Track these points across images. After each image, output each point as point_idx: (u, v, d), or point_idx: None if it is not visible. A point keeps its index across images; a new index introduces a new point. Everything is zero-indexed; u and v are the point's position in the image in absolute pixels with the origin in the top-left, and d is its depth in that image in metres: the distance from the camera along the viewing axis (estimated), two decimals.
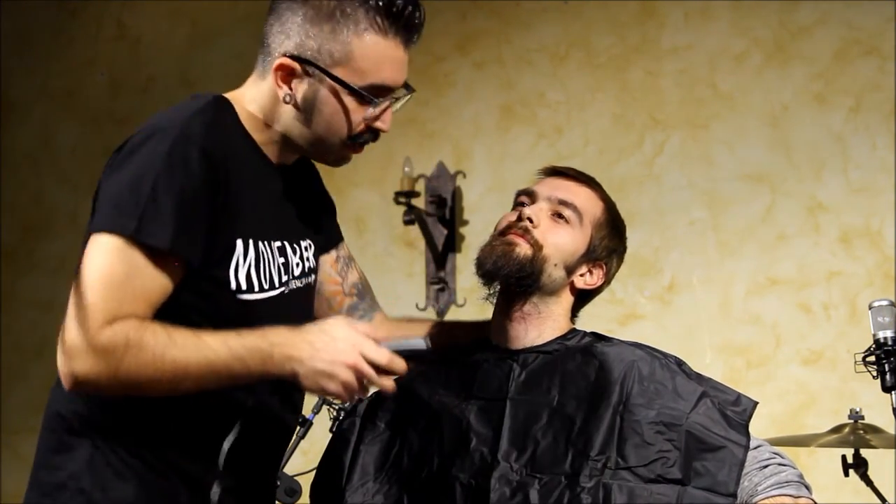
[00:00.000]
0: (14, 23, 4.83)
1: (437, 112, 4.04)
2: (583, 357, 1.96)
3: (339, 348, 1.66)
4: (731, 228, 3.59)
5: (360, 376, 1.67)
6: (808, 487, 1.86)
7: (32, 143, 4.76)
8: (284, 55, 1.72)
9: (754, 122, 3.60)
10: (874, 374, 2.09)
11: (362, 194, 4.04)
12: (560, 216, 2.00)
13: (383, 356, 1.69)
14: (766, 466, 1.86)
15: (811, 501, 1.85)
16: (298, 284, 1.86)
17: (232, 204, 1.69)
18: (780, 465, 1.87)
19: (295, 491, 2.62)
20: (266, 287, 1.76)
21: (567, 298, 2.03)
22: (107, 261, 1.60)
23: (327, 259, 2.02)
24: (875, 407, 2.48)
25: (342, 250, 2.05)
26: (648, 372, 1.91)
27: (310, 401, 2.81)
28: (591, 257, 2.02)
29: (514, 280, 1.95)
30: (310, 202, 1.94)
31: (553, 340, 1.99)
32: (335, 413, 2.72)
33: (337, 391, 1.67)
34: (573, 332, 2.02)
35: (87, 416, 1.72)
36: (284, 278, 1.80)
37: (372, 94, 1.75)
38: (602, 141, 3.80)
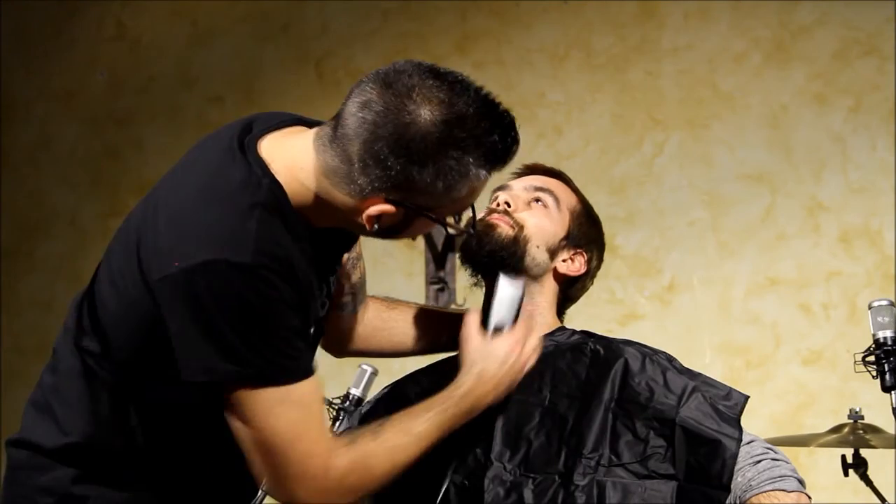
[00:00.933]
0: (14, 23, 4.83)
1: None
2: (573, 355, 1.95)
3: (511, 363, 1.85)
4: (731, 228, 3.59)
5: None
6: (801, 482, 1.87)
7: (32, 143, 4.76)
8: (386, 200, 1.61)
9: (754, 122, 3.60)
10: (874, 373, 2.09)
11: None
12: (538, 201, 2.01)
13: (528, 326, 1.88)
14: (759, 461, 1.86)
15: (805, 496, 1.85)
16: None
17: (308, 305, 1.67)
18: (773, 459, 1.87)
19: None
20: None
21: (551, 287, 2.03)
22: (279, 412, 1.59)
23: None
24: (875, 407, 2.48)
25: (353, 251, 2.02)
26: (639, 368, 1.92)
27: None
28: (572, 243, 2.02)
29: (498, 260, 1.95)
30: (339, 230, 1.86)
31: (542, 338, 1.99)
32: (335, 413, 2.72)
33: (526, 359, 1.86)
34: (562, 329, 2.02)
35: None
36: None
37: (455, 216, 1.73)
38: (602, 141, 3.80)
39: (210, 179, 1.63)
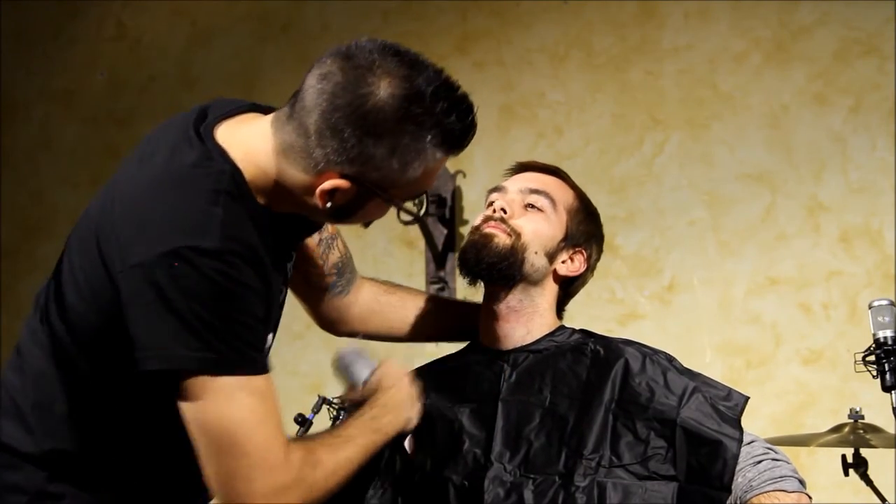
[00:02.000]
0: (14, 23, 4.83)
1: None
2: (573, 355, 1.95)
3: (398, 376, 1.90)
4: (731, 228, 3.59)
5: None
6: (802, 482, 1.87)
7: (32, 143, 4.76)
8: (341, 175, 1.60)
9: (754, 122, 3.60)
10: (874, 373, 2.09)
11: None
12: (533, 205, 2.00)
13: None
14: (760, 462, 1.86)
15: (805, 496, 1.86)
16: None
17: (271, 295, 1.65)
18: (774, 460, 1.87)
19: None
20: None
21: (551, 289, 2.02)
22: (239, 402, 1.55)
23: (309, 241, 1.96)
24: (875, 407, 2.48)
25: (325, 231, 1.99)
26: (639, 369, 1.91)
27: (310, 400, 2.81)
28: (570, 243, 2.01)
29: (497, 271, 1.94)
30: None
31: (542, 338, 1.98)
32: (335, 413, 2.72)
33: (419, 406, 1.91)
34: (562, 329, 2.02)
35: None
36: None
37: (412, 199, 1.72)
38: (602, 141, 3.80)
39: (168, 167, 1.62)
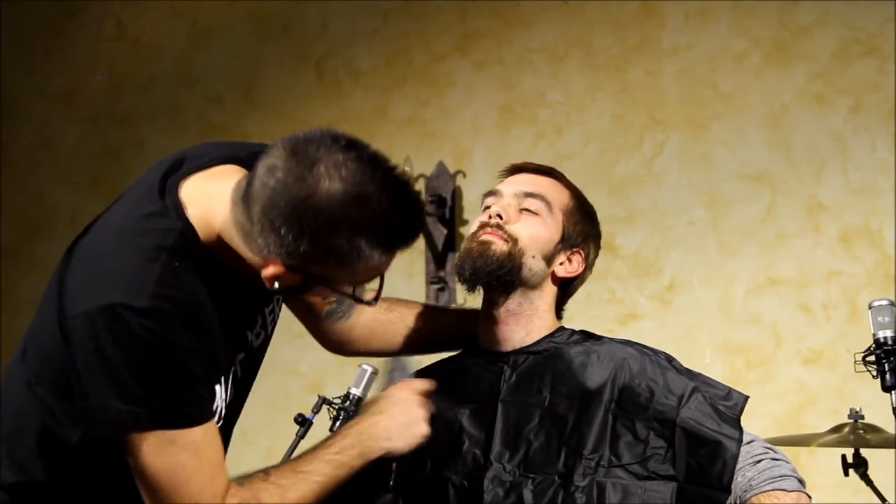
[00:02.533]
0: (14, 23, 4.83)
1: (437, 112, 4.04)
2: (573, 356, 1.95)
3: (404, 400, 1.81)
4: (731, 228, 3.59)
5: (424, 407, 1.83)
6: (801, 481, 1.87)
7: (32, 143, 4.76)
8: (283, 265, 1.60)
9: (754, 122, 3.60)
10: (874, 373, 2.09)
11: None
12: (529, 209, 2.00)
13: (425, 383, 1.85)
14: (759, 461, 1.86)
15: (805, 496, 1.86)
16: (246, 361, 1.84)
17: (212, 348, 1.66)
18: (773, 459, 1.87)
19: None
20: (223, 413, 1.77)
21: (550, 291, 2.02)
22: (169, 454, 1.60)
23: None
24: (875, 406, 2.48)
25: None
26: (639, 369, 1.91)
27: (310, 400, 2.81)
28: (567, 244, 2.01)
29: (496, 278, 1.94)
30: None
31: (542, 340, 1.98)
32: (335, 413, 2.72)
33: (426, 430, 1.81)
34: (561, 330, 2.02)
35: None
36: (236, 390, 1.80)
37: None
38: (602, 141, 3.80)
39: (125, 222, 1.66)
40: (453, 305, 3.89)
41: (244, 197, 1.60)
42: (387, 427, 1.79)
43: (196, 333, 1.60)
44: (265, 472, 1.70)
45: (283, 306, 1.92)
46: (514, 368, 1.96)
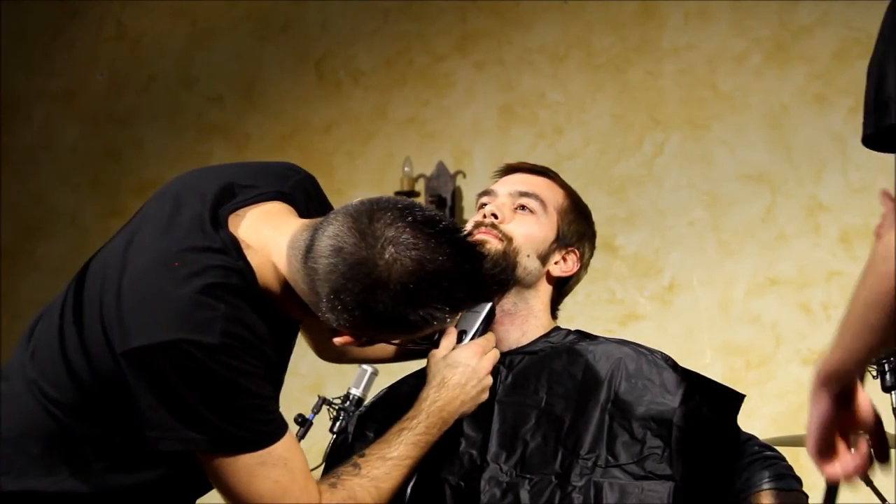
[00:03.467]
0: (14, 23, 4.83)
1: (437, 112, 4.04)
2: (569, 356, 1.95)
3: (476, 369, 1.84)
4: (731, 228, 3.59)
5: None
6: (798, 480, 1.87)
7: (32, 143, 4.76)
8: (352, 334, 1.66)
9: (754, 122, 3.60)
10: (874, 374, 2.09)
11: (362, 194, 4.00)
12: (523, 208, 2.00)
13: (491, 340, 1.89)
14: (756, 460, 1.86)
15: (802, 494, 1.86)
16: None
17: (274, 376, 1.70)
18: (770, 458, 1.87)
19: None
20: None
21: (545, 290, 2.02)
22: (262, 474, 1.62)
23: None
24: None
25: None
26: (635, 368, 1.91)
27: (310, 401, 2.81)
28: (562, 243, 2.01)
29: (490, 277, 1.94)
30: None
31: (538, 340, 1.98)
32: (335, 413, 2.72)
33: (490, 382, 1.86)
34: (557, 330, 2.02)
35: None
36: None
37: None
38: (602, 141, 3.80)
39: (180, 249, 1.63)
40: None
41: (306, 265, 1.61)
42: (464, 400, 1.83)
43: (263, 360, 1.63)
44: (354, 465, 1.72)
45: None
46: (509, 369, 1.96)
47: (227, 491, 1.64)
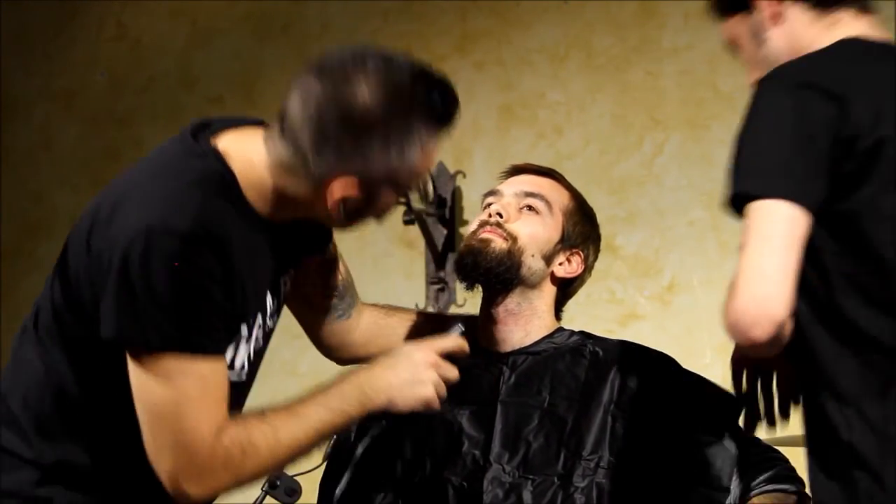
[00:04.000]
0: (14, 23, 4.83)
1: None
2: (572, 357, 1.96)
3: (413, 357, 1.79)
4: (731, 228, 3.55)
5: (440, 372, 1.80)
6: (800, 481, 1.87)
7: (32, 143, 4.76)
8: (346, 178, 1.68)
9: None
10: None
11: None
12: (529, 208, 2.01)
13: (452, 341, 1.85)
14: (758, 461, 1.87)
15: (804, 495, 1.86)
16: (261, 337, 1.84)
17: (238, 291, 1.67)
18: (772, 459, 1.87)
19: (294, 491, 2.62)
20: (244, 373, 1.77)
21: (549, 291, 2.03)
22: (176, 381, 1.59)
23: (311, 264, 1.99)
24: None
25: (328, 252, 2.02)
26: (638, 370, 1.92)
27: None
28: (567, 244, 2.02)
29: (494, 276, 1.95)
30: (299, 229, 1.86)
31: (541, 340, 1.99)
32: None
33: (431, 394, 1.79)
34: (560, 330, 2.02)
35: None
36: (254, 359, 1.80)
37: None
38: (602, 141, 3.80)
39: (160, 159, 1.71)
40: (453, 305, 3.89)
41: (284, 134, 1.69)
42: (390, 382, 1.77)
43: (227, 269, 1.61)
44: (261, 412, 1.70)
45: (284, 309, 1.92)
46: (513, 369, 1.97)
47: (139, 391, 1.60)
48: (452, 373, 1.81)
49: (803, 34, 1.88)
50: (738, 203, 1.70)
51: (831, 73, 1.73)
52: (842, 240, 1.67)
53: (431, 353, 1.81)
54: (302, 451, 1.71)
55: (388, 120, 1.65)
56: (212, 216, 1.61)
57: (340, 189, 1.67)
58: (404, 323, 2.10)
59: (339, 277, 2.06)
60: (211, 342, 1.63)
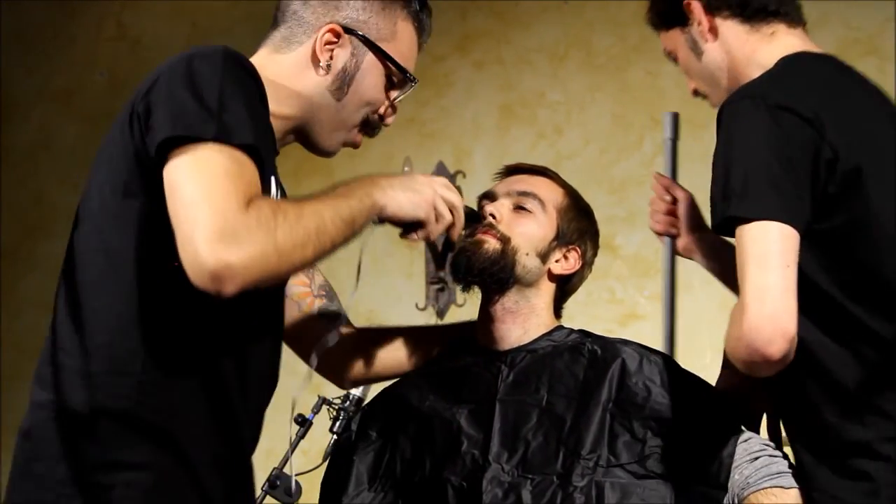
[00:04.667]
0: (14, 23, 4.83)
1: (437, 112, 4.04)
2: (570, 355, 1.96)
3: (413, 177, 1.79)
4: None
5: (445, 195, 1.80)
6: (799, 479, 1.87)
7: (32, 143, 4.76)
8: (333, 23, 1.78)
9: None
10: None
11: None
12: (522, 208, 2.02)
13: (456, 196, 1.83)
14: (756, 458, 1.87)
15: (803, 492, 1.86)
16: None
17: (270, 136, 1.69)
18: (770, 456, 1.87)
19: (294, 491, 2.62)
20: None
21: (547, 289, 2.03)
22: (215, 161, 1.54)
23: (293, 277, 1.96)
24: None
25: None
26: (636, 368, 1.92)
27: (310, 400, 2.81)
28: (562, 241, 2.03)
29: (489, 276, 1.96)
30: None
31: (540, 338, 1.99)
32: (335, 413, 2.72)
33: (427, 214, 1.76)
34: (559, 328, 2.02)
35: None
36: None
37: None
38: (602, 141, 3.80)
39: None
40: (453, 305, 3.89)
41: (276, 23, 1.82)
42: (391, 183, 1.74)
43: (263, 96, 1.66)
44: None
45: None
46: (511, 367, 1.96)
47: (174, 188, 1.54)
48: (457, 198, 1.83)
49: (741, 46, 1.98)
50: (729, 226, 1.77)
51: (804, 97, 1.78)
52: (829, 256, 1.73)
53: (434, 182, 1.81)
54: (326, 233, 1.60)
55: None
56: (249, 62, 1.66)
57: (328, 34, 1.76)
58: (394, 343, 2.08)
59: (322, 278, 2.06)
60: (254, 139, 1.58)
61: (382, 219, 1.73)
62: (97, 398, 1.61)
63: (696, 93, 2.15)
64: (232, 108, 1.57)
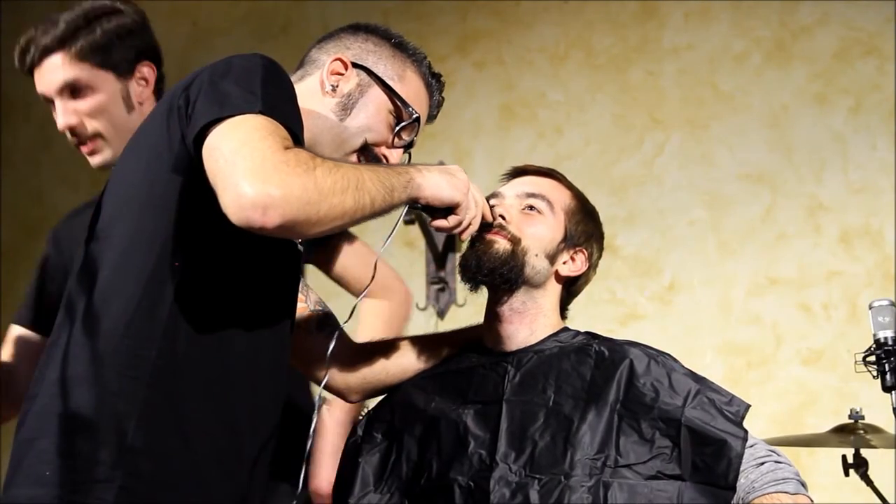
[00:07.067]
0: (14, 23, 4.83)
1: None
2: (577, 356, 1.96)
3: (452, 167, 1.87)
4: (731, 228, 3.59)
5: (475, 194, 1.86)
6: (804, 485, 1.87)
7: (32, 142, 4.76)
8: (341, 55, 1.88)
9: (754, 122, 3.60)
10: (874, 373, 2.09)
11: None
12: (531, 208, 2.02)
13: (481, 195, 1.89)
14: (762, 464, 1.87)
15: (808, 499, 1.86)
16: None
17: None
18: (776, 462, 1.87)
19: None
20: None
21: (554, 290, 2.03)
22: (252, 122, 1.58)
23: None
24: (875, 407, 2.48)
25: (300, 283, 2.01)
26: (644, 369, 1.92)
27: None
28: (570, 243, 2.03)
29: (499, 276, 1.96)
30: None
31: (547, 339, 1.99)
32: None
33: (464, 197, 1.81)
34: (566, 329, 2.03)
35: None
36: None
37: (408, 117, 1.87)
38: (602, 141, 3.80)
39: None
40: (453, 305, 3.90)
41: (300, 67, 1.92)
42: (428, 168, 1.81)
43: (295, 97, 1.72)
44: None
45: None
46: (518, 368, 1.97)
47: (214, 155, 1.57)
48: (481, 197, 1.89)
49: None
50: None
51: None
52: None
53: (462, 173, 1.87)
54: (364, 189, 1.62)
55: (387, 42, 1.93)
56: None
57: (334, 65, 1.85)
58: (395, 353, 2.08)
59: (316, 296, 2.07)
60: (294, 123, 1.63)
61: (418, 201, 1.77)
62: (107, 385, 1.61)
63: None
64: (275, 95, 1.63)
